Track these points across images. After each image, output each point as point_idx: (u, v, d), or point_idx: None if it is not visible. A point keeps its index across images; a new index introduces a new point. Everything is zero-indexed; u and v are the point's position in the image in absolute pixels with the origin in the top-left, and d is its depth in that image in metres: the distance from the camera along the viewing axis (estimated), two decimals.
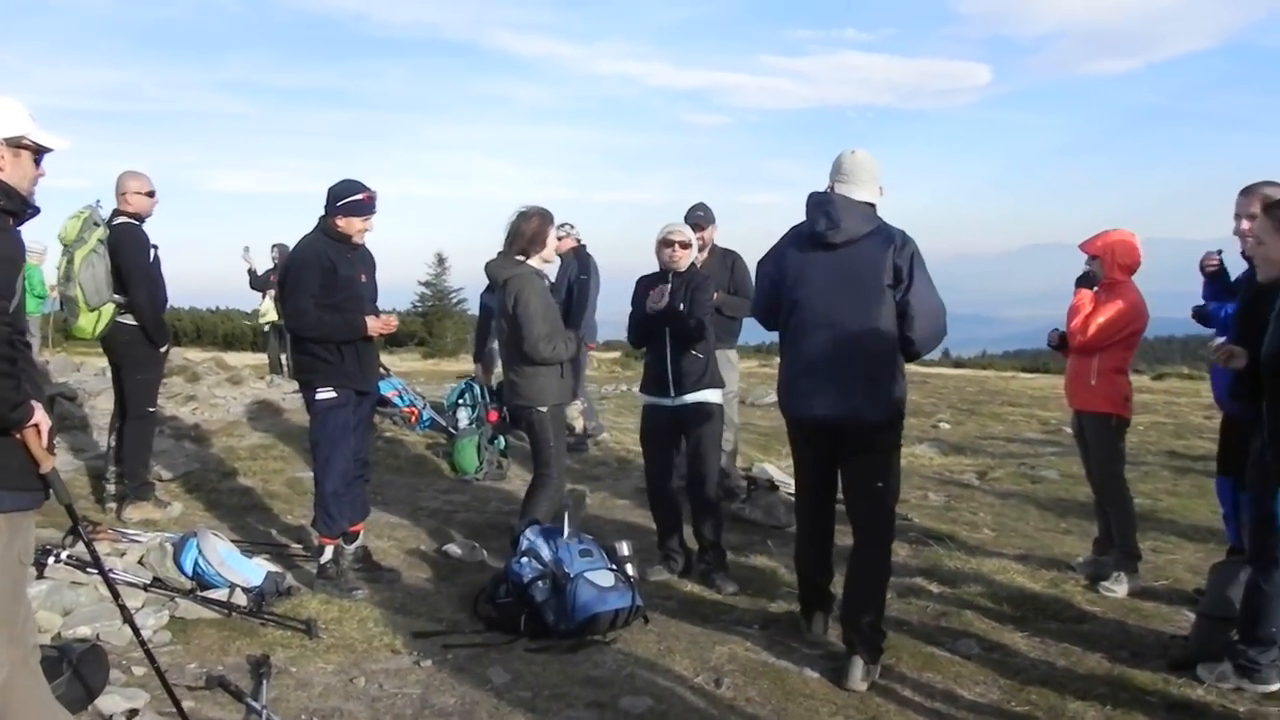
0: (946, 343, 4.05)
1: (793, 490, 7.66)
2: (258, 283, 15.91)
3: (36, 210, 3.29)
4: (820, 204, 4.87)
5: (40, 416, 3.13)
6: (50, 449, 3.17)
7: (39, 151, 3.27)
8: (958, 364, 37.63)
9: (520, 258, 6.21)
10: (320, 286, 5.82)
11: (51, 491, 3.25)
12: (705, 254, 7.63)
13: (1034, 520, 8.01)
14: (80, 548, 5.25)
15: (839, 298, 4.80)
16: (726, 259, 7.94)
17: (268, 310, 15.91)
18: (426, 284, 44.84)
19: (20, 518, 3.18)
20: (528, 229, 6.20)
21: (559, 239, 9.82)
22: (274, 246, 16.04)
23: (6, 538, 3.11)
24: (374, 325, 5.97)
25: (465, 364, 21.62)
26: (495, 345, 8.80)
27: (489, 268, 6.33)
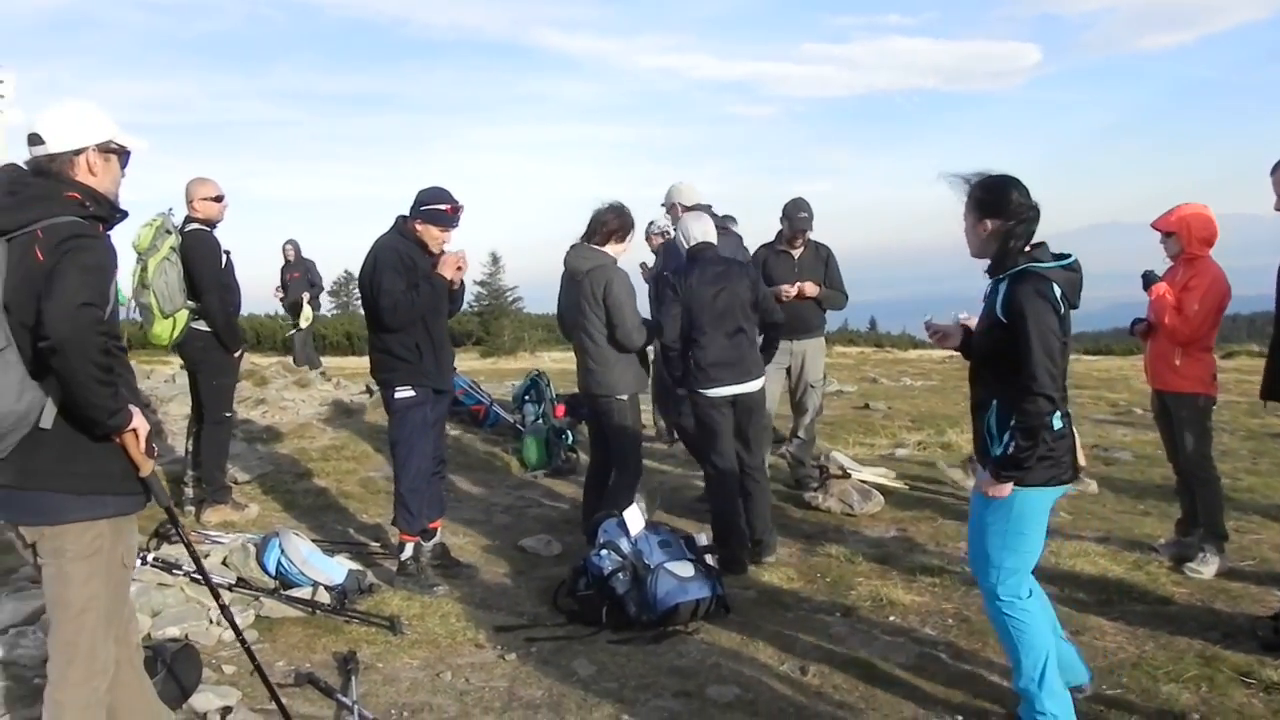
0: None
1: (865, 478, 7.63)
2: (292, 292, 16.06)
3: (125, 214, 3.30)
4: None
5: (139, 421, 3.14)
6: (150, 453, 3.20)
7: (124, 155, 3.29)
8: None
9: (600, 248, 6.31)
10: (406, 284, 5.74)
11: (151, 495, 3.28)
12: (802, 248, 7.92)
13: (1110, 503, 7.84)
14: (165, 549, 5.35)
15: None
16: (820, 252, 7.98)
17: (308, 316, 15.95)
18: (482, 283, 45.09)
19: (123, 521, 3.22)
20: (610, 222, 6.30)
21: (651, 235, 9.66)
22: (287, 243, 15.95)
23: (111, 541, 3.16)
24: (448, 265, 5.90)
25: (524, 362, 21.70)
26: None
27: (569, 257, 6.42)
